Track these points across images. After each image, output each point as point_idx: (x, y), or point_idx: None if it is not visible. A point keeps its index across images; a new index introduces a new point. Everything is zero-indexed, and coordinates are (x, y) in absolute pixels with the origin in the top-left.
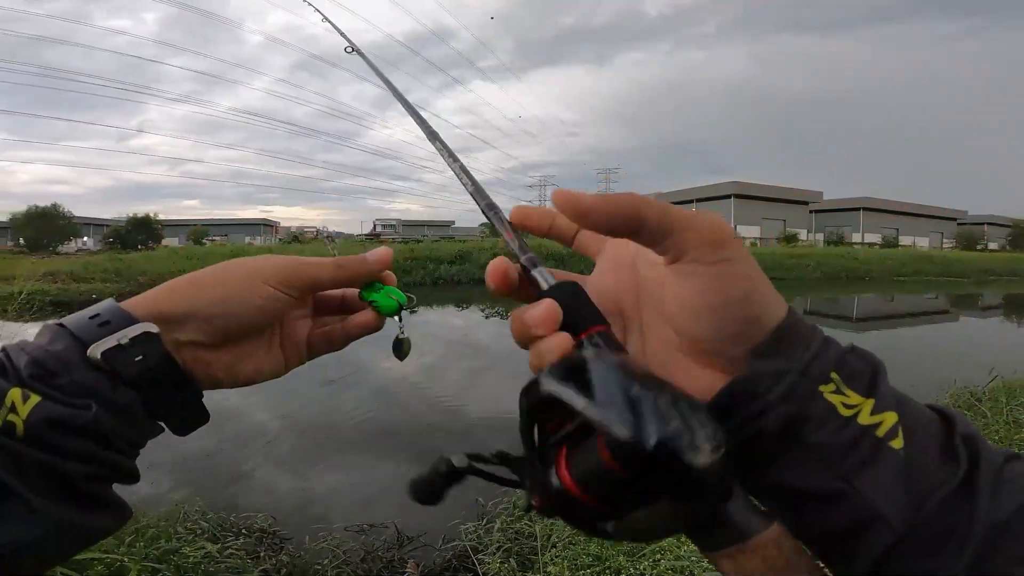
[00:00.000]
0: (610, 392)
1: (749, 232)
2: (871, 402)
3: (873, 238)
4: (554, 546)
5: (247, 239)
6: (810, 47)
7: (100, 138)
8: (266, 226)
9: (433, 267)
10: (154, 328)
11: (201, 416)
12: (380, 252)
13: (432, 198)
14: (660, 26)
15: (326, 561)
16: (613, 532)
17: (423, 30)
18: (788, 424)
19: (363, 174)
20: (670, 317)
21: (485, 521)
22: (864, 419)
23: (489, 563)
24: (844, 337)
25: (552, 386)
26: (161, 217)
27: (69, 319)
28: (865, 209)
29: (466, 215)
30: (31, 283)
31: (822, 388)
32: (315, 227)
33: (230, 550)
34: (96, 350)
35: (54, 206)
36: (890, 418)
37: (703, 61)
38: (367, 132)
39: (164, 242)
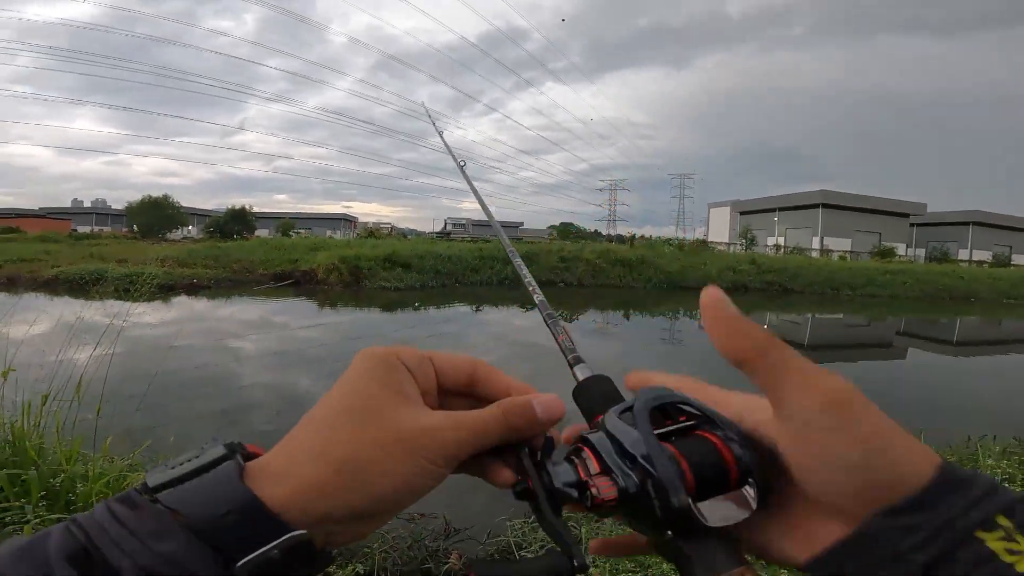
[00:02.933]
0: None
1: (838, 245)
2: None
3: (982, 255)
4: None
5: (328, 232)
6: (920, 50)
7: (207, 134)
8: (346, 221)
9: (500, 267)
10: (306, 534)
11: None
12: (552, 405)
13: (501, 197)
14: (743, 28)
15: (375, 545)
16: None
17: (495, 31)
18: (924, 571)
19: (436, 173)
20: (785, 468)
21: (532, 519)
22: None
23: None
24: (940, 362)
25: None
26: (255, 209)
27: (183, 501)
28: (976, 224)
29: (534, 217)
30: (144, 266)
31: (982, 534)
32: (389, 223)
33: None
34: (243, 570)
35: (165, 197)
36: None
37: (791, 64)
38: (441, 131)
39: (256, 233)
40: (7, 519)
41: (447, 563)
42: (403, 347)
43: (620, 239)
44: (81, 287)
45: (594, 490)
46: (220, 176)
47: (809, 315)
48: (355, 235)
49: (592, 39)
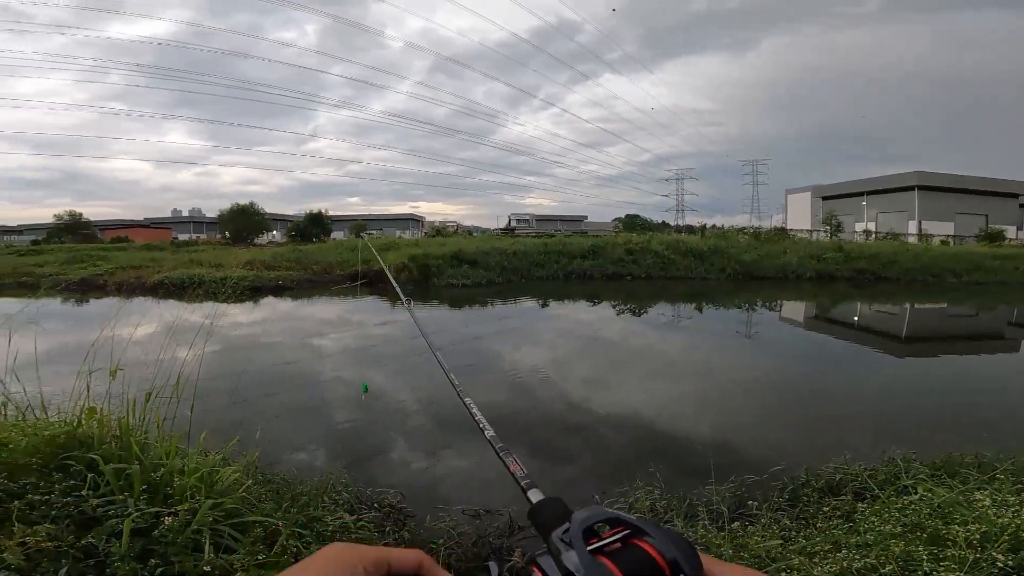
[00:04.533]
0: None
1: (940, 229)
2: None
3: None
4: None
5: (398, 232)
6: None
7: (283, 143)
8: (414, 220)
9: (566, 261)
10: None
11: None
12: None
13: (563, 192)
14: (805, 8)
15: (441, 540)
16: None
17: (546, 26)
18: None
19: (497, 170)
20: None
21: None
22: None
23: None
24: None
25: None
26: (331, 213)
27: None
28: None
29: (598, 210)
30: (233, 270)
31: None
32: (455, 221)
33: (362, 522)
34: None
35: (251, 204)
36: None
37: (866, 42)
38: (499, 129)
39: (332, 235)
40: (111, 512)
41: (510, 561)
42: (363, 548)
43: (690, 229)
44: (182, 291)
45: None
46: (298, 182)
47: (907, 305)
48: (423, 234)
49: (646, 27)
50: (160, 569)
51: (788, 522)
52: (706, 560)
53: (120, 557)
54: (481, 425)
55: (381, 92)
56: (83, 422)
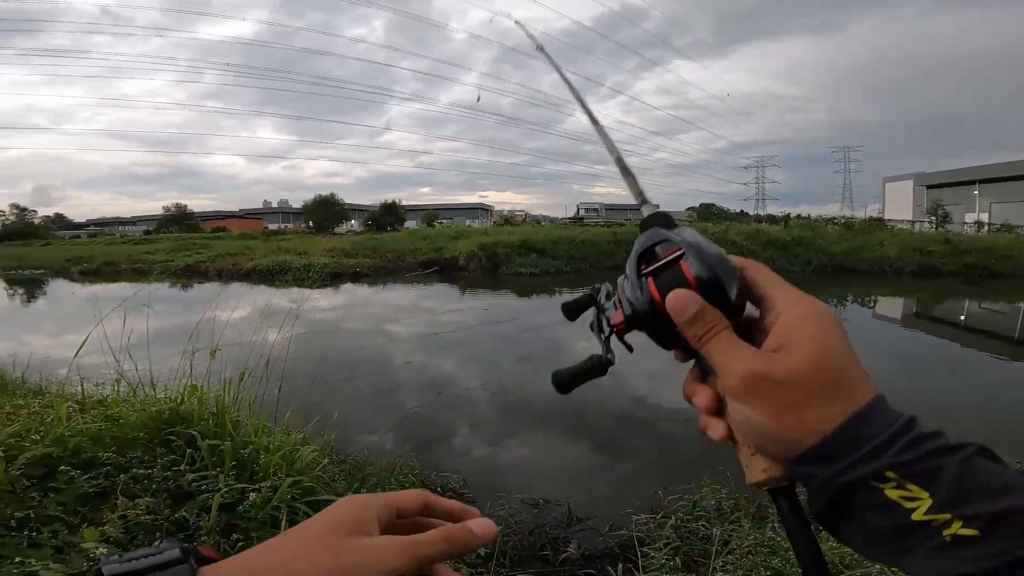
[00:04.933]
0: (695, 241)
1: None
2: (928, 501)
3: None
4: (731, 552)
5: (467, 222)
6: None
7: (359, 136)
8: (483, 210)
9: None
10: None
11: None
12: (486, 526)
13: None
14: None
15: (500, 527)
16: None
17: (610, 13)
18: (830, 507)
19: (565, 159)
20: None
21: (661, 515)
22: (919, 516)
23: (653, 557)
24: None
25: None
26: (404, 203)
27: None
28: None
29: (672, 199)
30: (317, 257)
31: (880, 484)
32: (523, 211)
33: None
34: None
35: (332, 195)
36: (942, 518)
37: (970, 22)
38: (567, 118)
39: (406, 224)
40: (203, 487)
41: (566, 552)
42: (373, 495)
43: (772, 219)
44: (271, 277)
45: (609, 316)
46: (374, 174)
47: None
48: (492, 223)
49: (716, 12)
50: (240, 544)
51: None
52: (760, 274)
53: (207, 531)
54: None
55: (448, 84)
56: (185, 399)
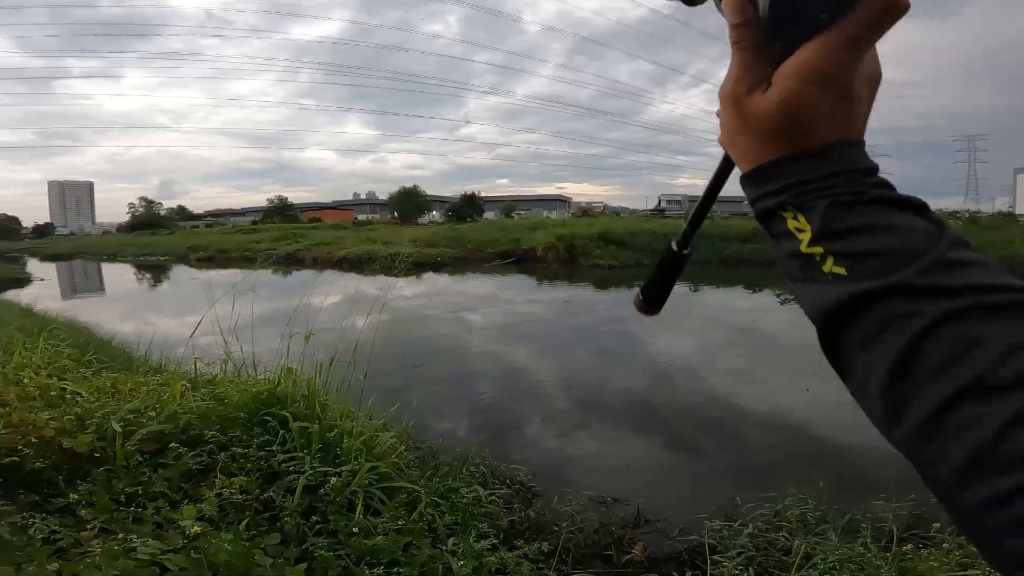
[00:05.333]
0: None
1: None
2: (809, 234)
3: None
4: (813, 567)
5: (544, 213)
6: None
7: (440, 130)
8: (560, 201)
9: (722, 245)
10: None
11: None
12: None
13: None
14: None
15: (564, 524)
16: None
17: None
18: (762, 224)
19: (645, 150)
20: None
21: (738, 523)
22: (803, 248)
23: (725, 566)
24: None
25: None
26: (483, 194)
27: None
28: None
29: None
30: (401, 247)
31: (784, 213)
32: (601, 202)
33: (493, 497)
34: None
35: (415, 187)
36: (817, 251)
37: None
38: (646, 109)
39: (484, 215)
40: (291, 468)
41: (630, 553)
42: None
43: None
44: (360, 265)
45: None
46: (454, 166)
47: None
48: (569, 215)
49: None
50: (319, 526)
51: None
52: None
53: (290, 512)
54: None
55: (525, 77)
56: (281, 381)
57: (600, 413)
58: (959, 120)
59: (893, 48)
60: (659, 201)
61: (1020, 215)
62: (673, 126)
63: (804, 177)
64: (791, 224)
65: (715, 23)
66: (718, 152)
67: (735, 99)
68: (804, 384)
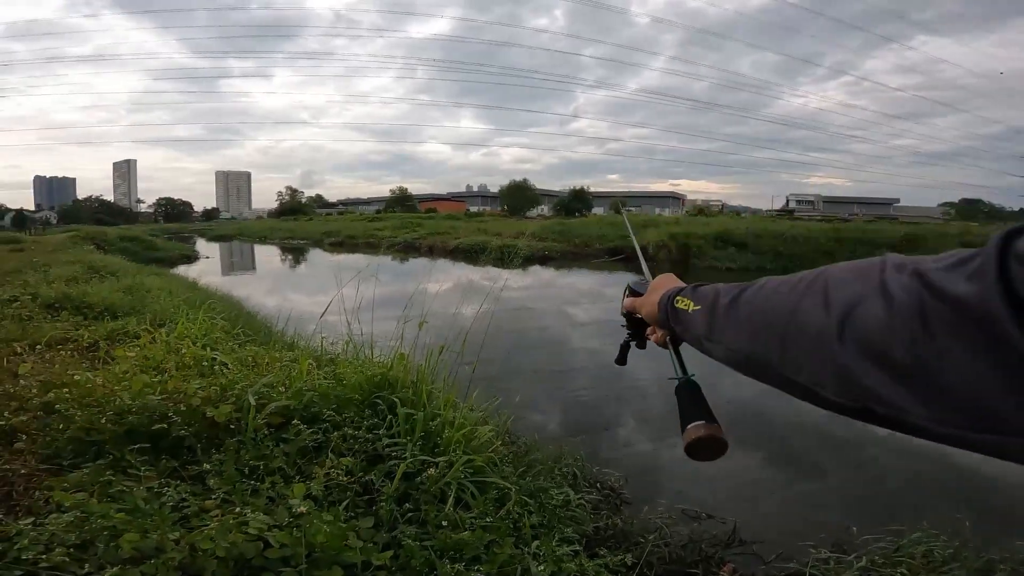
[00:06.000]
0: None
1: None
2: (691, 302)
3: None
4: None
5: (656, 210)
6: None
7: (549, 124)
8: (674, 198)
9: (865, 251)
10: None
11: None
12: None
13: (862, 170)
14: None
15: (651, 536)
16: None
17: None
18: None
19: (771, 146)
20: None
21: (852, 556)
22: (689, 308)
23: None
24: None
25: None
26: (592, 189)
27: None
28: None
29: (916, 193)
30: (515, 240)
31: (677, 299)
32: (719, 201)
33: (581, 501)
34: None
35: (524, 180)
36: (690, 304)
37: None
38: (773, 102)
39: (593, 210)
40: (393, 454)
41: (717, 574)
42: None
43: None
44: (472, 255)
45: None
46: (563, 160)
47: None
48: (683, 213)
49: None
50: (410, 514)
51: None
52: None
53: (386, 497)
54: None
55: (635, 70)
56: (394, 366)
57: None
58: None
59: None
60: (787, 201)
61: None
62: (804, 120)
63: (679, 291)
64: (681, 304)
65: (851, 11)
66: (863, 148)
67: (638, 304)
68: None
